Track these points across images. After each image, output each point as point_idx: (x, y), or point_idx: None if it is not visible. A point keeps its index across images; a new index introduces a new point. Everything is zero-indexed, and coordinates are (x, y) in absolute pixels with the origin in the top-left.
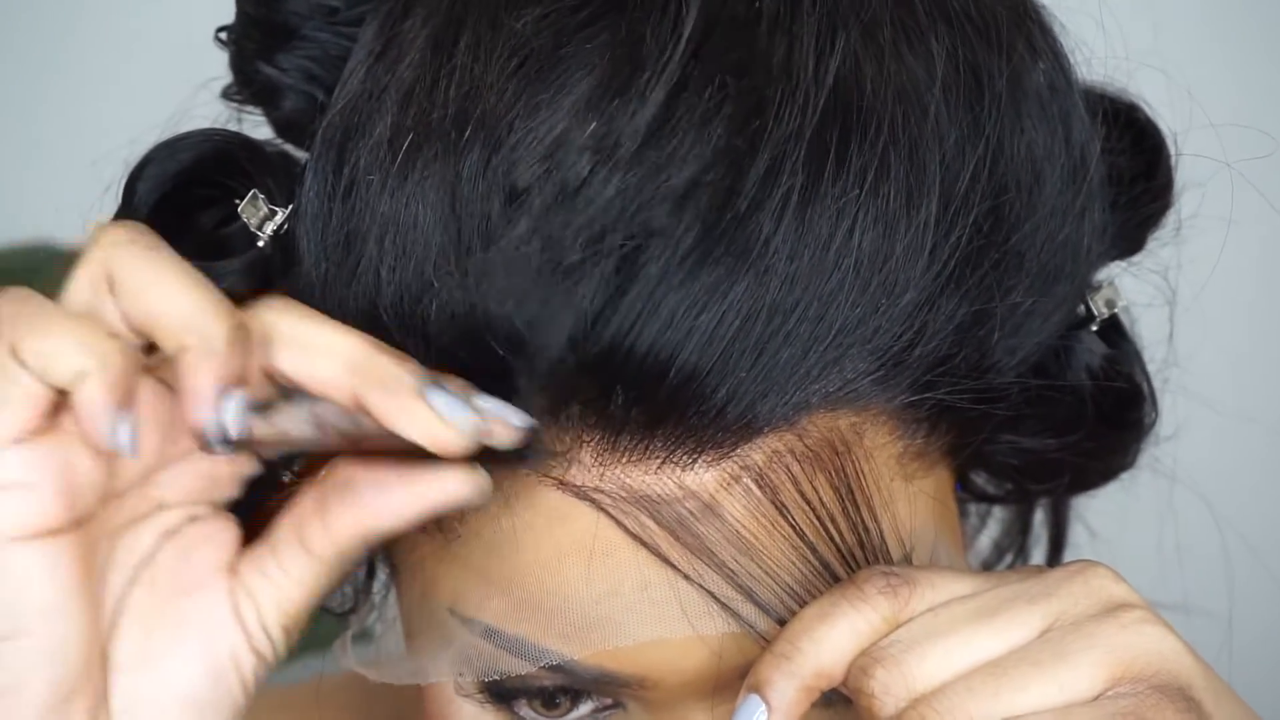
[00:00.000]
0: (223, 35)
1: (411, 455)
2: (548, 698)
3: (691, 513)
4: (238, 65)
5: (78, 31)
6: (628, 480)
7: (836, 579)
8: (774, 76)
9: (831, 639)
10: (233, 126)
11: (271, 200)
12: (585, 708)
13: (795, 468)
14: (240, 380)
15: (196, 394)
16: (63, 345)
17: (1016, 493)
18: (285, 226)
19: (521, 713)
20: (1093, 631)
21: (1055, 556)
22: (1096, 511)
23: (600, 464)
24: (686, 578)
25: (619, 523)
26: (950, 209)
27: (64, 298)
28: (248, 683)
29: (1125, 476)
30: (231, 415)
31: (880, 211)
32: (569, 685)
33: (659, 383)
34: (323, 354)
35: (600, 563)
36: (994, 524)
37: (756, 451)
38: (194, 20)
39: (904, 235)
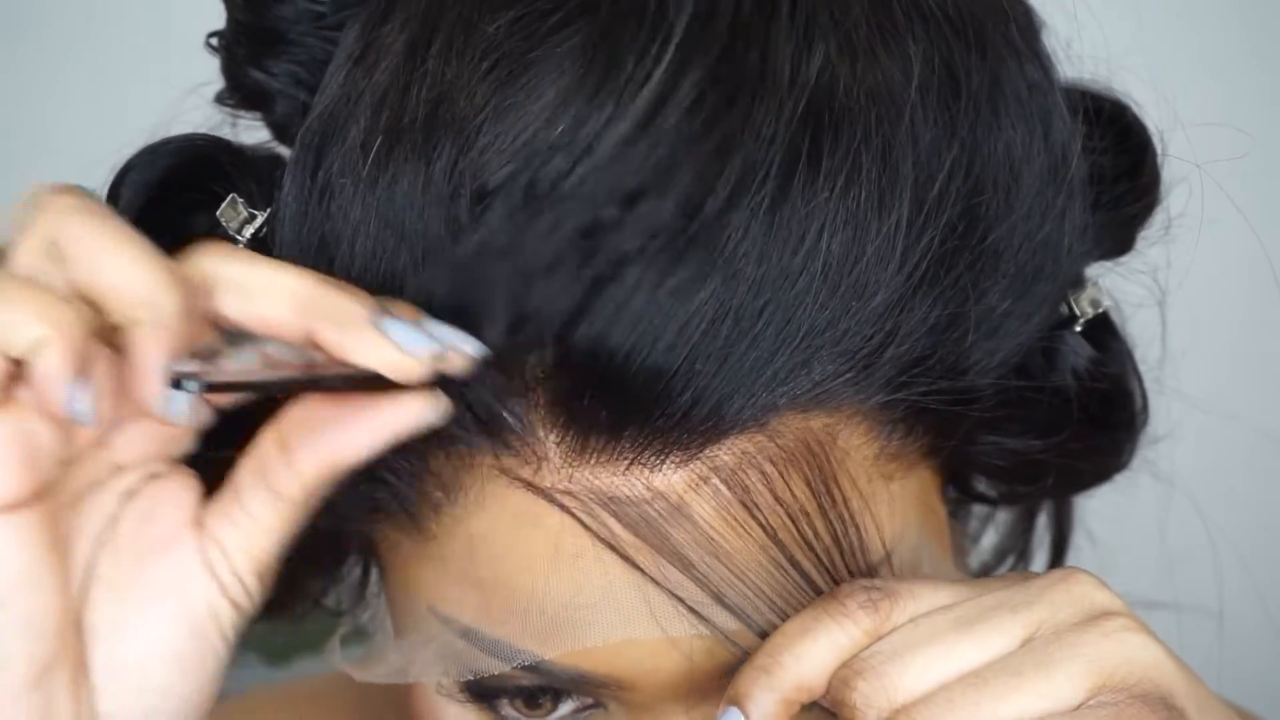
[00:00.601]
0: (214, 41)
1: (368, 384)
2: (529, 697)
3: (659, 514)
4: (229, 71)
5: (70, 38)
6: (596, 481)
7: (810, 580)
8: (748, 81)
9: (812, 653)
10: (226, 131)
11: (254, 204)
12: (566, 708)
13: (768, 468)
14: (189, 348)
15: (148, 369)
16: (19, 315)
17: (1007, 494)
18: (265, 230)
19: (504, 712)
20: (1074, 640)
21: (1058, 560)
22: (1094, 513)
23: (569, 465)
24: (654, 581)
25: (585, 526)
26: (924, 210)
27: (9, 264)
28: (227, 634)
29: (1122, 479)
30: (183, 391)
31: (850, 213)
32: (547, 685)
33: (625, 384)
34: (268, 295)
35: (569, 565)
36: (995, 526)
37: (726, 452)
38: (187, 25)
39: (875, 237)
